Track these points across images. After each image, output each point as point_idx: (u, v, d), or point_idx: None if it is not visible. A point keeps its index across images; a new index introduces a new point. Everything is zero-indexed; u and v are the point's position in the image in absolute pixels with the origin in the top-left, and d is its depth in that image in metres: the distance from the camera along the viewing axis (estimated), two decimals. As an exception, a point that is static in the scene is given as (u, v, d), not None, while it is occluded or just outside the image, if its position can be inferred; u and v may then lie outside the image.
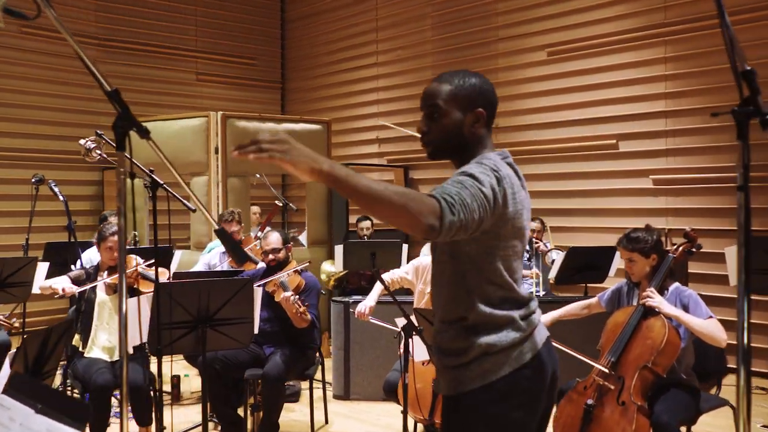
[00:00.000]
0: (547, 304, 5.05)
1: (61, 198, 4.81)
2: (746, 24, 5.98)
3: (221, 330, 3.58)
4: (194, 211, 3.53)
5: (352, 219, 7.99)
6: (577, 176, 7.25)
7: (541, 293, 6.41)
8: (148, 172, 3.29)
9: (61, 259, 5.58)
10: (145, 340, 3.56)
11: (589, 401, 3.25)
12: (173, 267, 5.71)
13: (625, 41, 6.89)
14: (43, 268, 5.12)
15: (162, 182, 3.24)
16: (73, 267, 4.95)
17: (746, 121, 1.60)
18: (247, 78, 9.99)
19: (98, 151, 3.48)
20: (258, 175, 8.33)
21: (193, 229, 7.85)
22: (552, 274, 6.38)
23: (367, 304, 4.38)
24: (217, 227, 2.21)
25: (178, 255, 5.89)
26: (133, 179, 1.90)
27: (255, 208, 8.32)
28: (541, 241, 6.77)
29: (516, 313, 1.95)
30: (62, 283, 4.15)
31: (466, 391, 1.93)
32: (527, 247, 6.84)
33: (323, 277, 6.76)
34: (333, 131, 9.45)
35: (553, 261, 6.39)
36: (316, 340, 4.46)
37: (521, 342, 1.94)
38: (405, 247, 6.08)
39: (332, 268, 6.97)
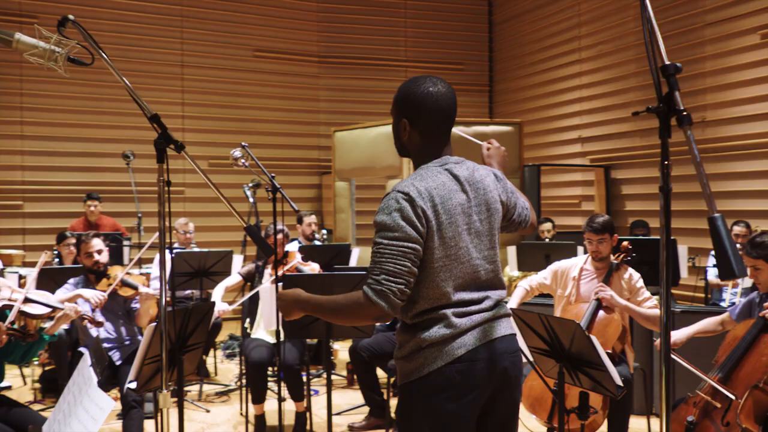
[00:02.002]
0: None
1: (251, 200, 5.55)
2: None
3: (344, 320, 3.93)
4: (298, 211, 3.93)
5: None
6: (793, 173, 6.40)
7: (737, 302, 5.80)
8: (270, 176, 3.77)
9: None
10: (273, 326, 4.05)
11: (690, 417, 3.01)
12: (352, 262, 6.25)
13: None
14: (238, 260, 5.98)
15: (279, 186, 3.69)
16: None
17: (666, 118, 1.53)
18: (454, 83, 10.21)
19: (243, 161, 4.04)
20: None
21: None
22: (747, 283, 5.75)
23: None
24: (245, 225, 2.53)
25: (356, 252, 6.42)
26: (169, 186, 2.30)
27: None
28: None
29: (450, 311, 2.03)
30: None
31: (408, 382, 2.06)
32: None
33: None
34: (536, 132, 9.41)
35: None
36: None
37: (453, 338, 2.01)
38: (581, 249, 5.93)
39: (516, 272, 6.93)
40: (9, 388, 5.75)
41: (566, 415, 3.37)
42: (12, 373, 6.10)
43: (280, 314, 2.27)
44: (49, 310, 3.51)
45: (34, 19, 8.19)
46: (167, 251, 5.76)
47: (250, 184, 7.37)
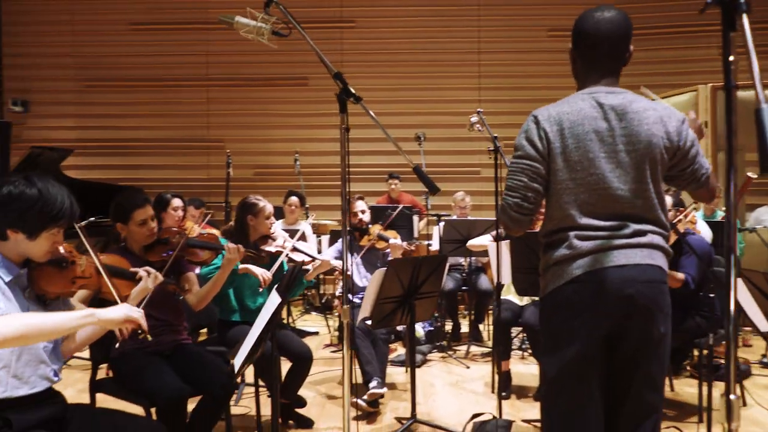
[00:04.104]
0: None
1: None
2: None
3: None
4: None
5: None
6: None
7: None
8: (493, 137, 3.94)
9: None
10: (506, 281, 4.20)
11: None
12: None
13: None
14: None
15: (499, 146, 3.84)
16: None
17: (729, 9, 1.43)
18: (780, 44, 9.02)
19: (479, 126, 4.25)
20: None
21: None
22: None
23: None
24: (413, 165, 2.75)
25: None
26: (348, 132, 2.66)
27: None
28: None
29: (573, 233, 2.06)
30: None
31: (541, 297, 2.19)
32: None
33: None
34: None
35: None
36: (701, 306, 4.22)
37: (572, 258, 2.03)
38: None
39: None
40: (316, 333, 6.83)
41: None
42: (320, 323, 7.22)
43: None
44: (309, 259, 4.19)
45: (351, 23, 9.42)
46: (439, 222, 6.19)
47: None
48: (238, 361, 2.34)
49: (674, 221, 4.23)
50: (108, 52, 9.57)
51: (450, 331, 6.50)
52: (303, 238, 6.01)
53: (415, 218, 7.51)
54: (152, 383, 2.91)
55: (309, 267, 4.16)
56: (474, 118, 4.26)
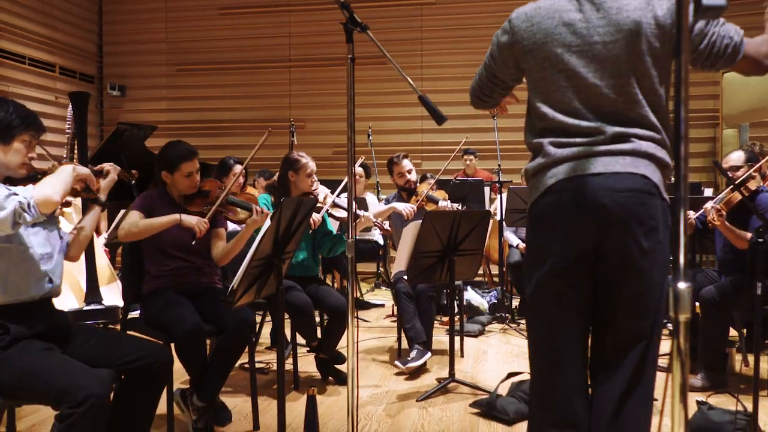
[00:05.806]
0: None
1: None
2: None
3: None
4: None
5: None
6: None
7: None
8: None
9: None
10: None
11: None
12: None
13: None
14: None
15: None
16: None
17: None
18: None
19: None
20: None
21: None
22: None
23: None
24: (419, 94, 2.60)
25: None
26: (354, 63, 2.57)
27: None
28: None
29: (547, 140, 1.91)
30: None
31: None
32: None
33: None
34: None
35: None
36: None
37: (546, 167, 1.89)
38: None
39: None
40: (382, 306, 6.80)
41: None
42: (387, 297, 7.18)
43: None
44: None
45: (431, 0, 9.32)
46: (500, 191, 5.97)
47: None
48: (234, 284, 2.33)
49: (740, 179, 3.86)
50: (198, 37, 9.96)
51: (517, 306, 6.29)
52: (365, 205, 6.00)
53: (487, 191, 7.32)
54: (172, 317, 2.96)
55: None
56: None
